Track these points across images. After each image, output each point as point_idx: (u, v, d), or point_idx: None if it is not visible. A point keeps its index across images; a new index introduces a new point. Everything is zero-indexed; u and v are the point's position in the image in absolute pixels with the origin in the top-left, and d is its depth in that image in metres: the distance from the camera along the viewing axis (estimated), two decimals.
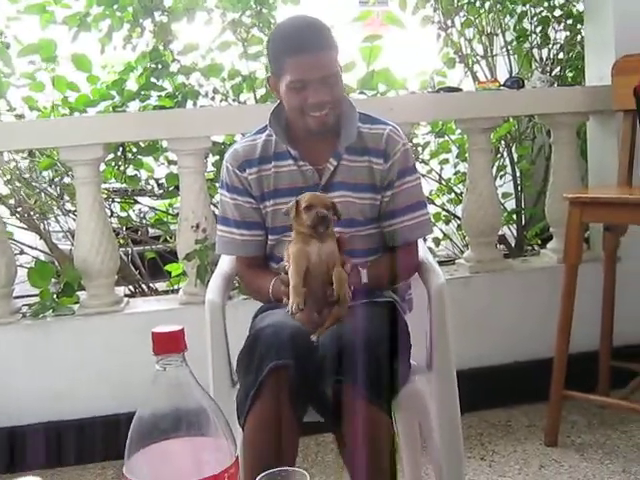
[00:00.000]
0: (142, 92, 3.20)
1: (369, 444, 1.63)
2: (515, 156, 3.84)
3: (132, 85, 3.28)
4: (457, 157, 3.73)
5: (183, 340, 0.85)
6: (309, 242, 1.76)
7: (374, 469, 1.64)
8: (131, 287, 3.49)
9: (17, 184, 3.49)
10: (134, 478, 0.85)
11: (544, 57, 3.90)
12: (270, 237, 1.99)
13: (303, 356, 1.65)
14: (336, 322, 1.74)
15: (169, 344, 0.84)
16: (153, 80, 3.18)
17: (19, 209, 3.48)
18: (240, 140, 2.10)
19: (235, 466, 0.85)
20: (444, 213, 3.81)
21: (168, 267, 3.42)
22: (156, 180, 3.51)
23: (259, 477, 0.95)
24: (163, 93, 3.22)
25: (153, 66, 3.21)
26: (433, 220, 3.64)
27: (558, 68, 3.84)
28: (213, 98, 3.30)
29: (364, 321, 1.76)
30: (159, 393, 0.85)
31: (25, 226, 3.50)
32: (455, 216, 3.77)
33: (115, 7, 3.22)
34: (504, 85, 3.08)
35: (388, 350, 1.71)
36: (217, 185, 3.24)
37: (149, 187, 3.54)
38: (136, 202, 3.61)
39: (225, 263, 2.15)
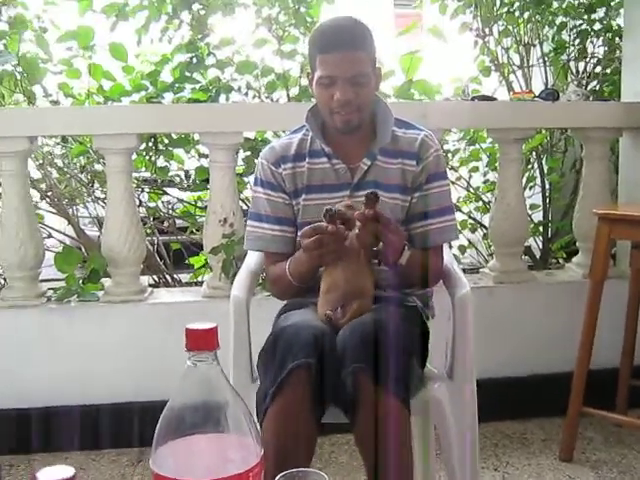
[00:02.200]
0: (176, 84, 3.23)
1: (387, 432, 1.62)
2: (545, 168, 3.82)
3: (166, 76, 3.30)
4: (487, 166, 3.72)
5: (216, 338, 0.86)
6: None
7: (394, 459, 1.64)
8: (155, 277, 3.51)
9: (49, 169, 3.53)
10: (159, 470, 0.86)
11: (580, 70, 3.88)
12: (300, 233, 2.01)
13: (325, 356, 1.66)
14: (358, 316, 1.76)
15: (202, 341, 0.85)
16: (188, 74, 3.20)
17: (49, 193, 3.51)
18: (277, 139, 2.13)
19: (260, 465, 0.86)
20: (470, 221, 3.80)
21: (191, 260, 3.44)
22: (185, 172, 3.53)
23: (278, 477, 0.96)
24: (197, 86, 3.24)
25: (189, 59, 3.23)
26: (459, 227, 3.64)
27: (594, 82, 3.82)
28: (246, 94, 3.31)
29: (386, 316, 1.76)
30: (189, 388, 0.86)
31: (54, 211, 3.53)
32: (481, 225, 3.76)
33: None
34: (539, 96, 3.07)
35: (408, 348, 1.72)
36: (246, 180, 3.28)
37: (178, 179, 3.56)
38: (165, 193, 3.63)
39: (252, 260, 2.17)
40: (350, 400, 1.65)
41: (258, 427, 0.89)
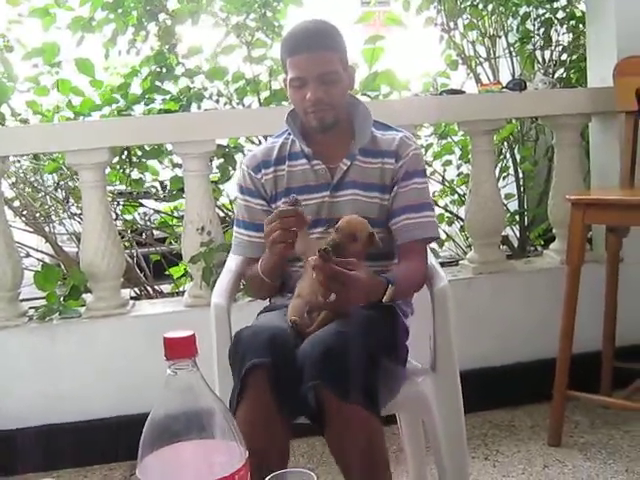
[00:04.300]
0: (147, 96, 3.22)
1: (357, 444, 1.62)
2: (518, 157, 3.85)
3: (136, 89, 3.30)
4: (460, 158, 3.75)
5: (194, 345, 0.87)
6: None
7: (362, 469, 1.63)
8: (136, 289, 3.50)
9: (22, 187, 3.51)
10: None
11: (547, 59, 3.92)
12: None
13: (281, 356, 1.66)
14: (325, 325, 1.74)
15: (181, 349, 0.86)
16: (158, 84, 3.20)
17: (24, 212, 3.50)
18: (260, 145, 2.15)
19: (245, 467, 0.87)
20: (447, 214, 3.83)
21: (170, 270, 3.44)
22: (161, 183, 3.53)
23: (267, 478, 0.97)
24: (168, 96, 3.24)
25: (158, 70, 3.23)
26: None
27: (561, 70, 3.86)
28: (217, 101, 3.32)
29: (353, 324, 1.73)
30: (171, 397, 0.87)
31: (31, 229, 3.52)
32: (458, 217, 3.79)
33: (119, 11, 3.25)
34: (506, 87, 3.09)
35: (375, 352, 1.70)
36: (221, 188, 3.29)
37: (154, 190, 3.56)
38: (141, 205, 3.63)
39: (231, 265, 2.17)
40: (315, 414, 1.65)
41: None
